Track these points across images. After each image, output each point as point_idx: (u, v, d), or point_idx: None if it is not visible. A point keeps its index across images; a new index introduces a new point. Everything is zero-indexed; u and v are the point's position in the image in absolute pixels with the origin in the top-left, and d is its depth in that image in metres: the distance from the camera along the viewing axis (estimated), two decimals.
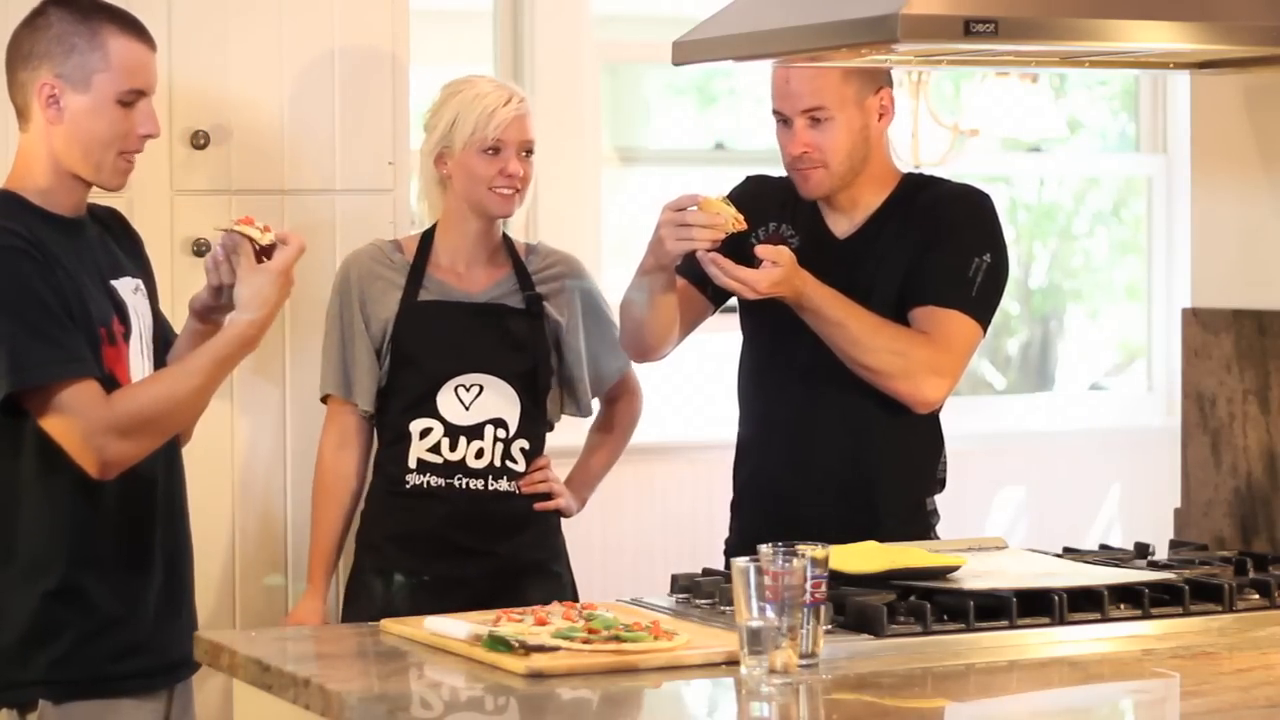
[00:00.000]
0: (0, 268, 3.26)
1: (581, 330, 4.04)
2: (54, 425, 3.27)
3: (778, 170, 3.81)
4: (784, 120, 3.69)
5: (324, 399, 4.03)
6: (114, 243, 3.49)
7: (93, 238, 3.44)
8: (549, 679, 2.82)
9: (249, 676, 3.05)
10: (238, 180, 4.07)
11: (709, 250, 3.53)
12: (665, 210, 3.56)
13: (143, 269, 3.54)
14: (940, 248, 3.66)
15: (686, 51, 3.52)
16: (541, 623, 3.07)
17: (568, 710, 2.76)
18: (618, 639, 2.93)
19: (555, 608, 3.18)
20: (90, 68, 3.32)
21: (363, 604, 3.90)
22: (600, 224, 6.35)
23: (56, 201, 3.37)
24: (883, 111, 3.71)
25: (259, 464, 4.15)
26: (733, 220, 3.53)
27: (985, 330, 3.69)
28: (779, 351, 3.75)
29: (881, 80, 3.70)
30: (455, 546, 3.87)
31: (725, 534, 3.89)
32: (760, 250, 3.56)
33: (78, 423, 3.26)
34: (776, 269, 3.55)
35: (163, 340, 3.54)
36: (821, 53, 3.35)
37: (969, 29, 3.01)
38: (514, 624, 3.06)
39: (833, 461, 3.71)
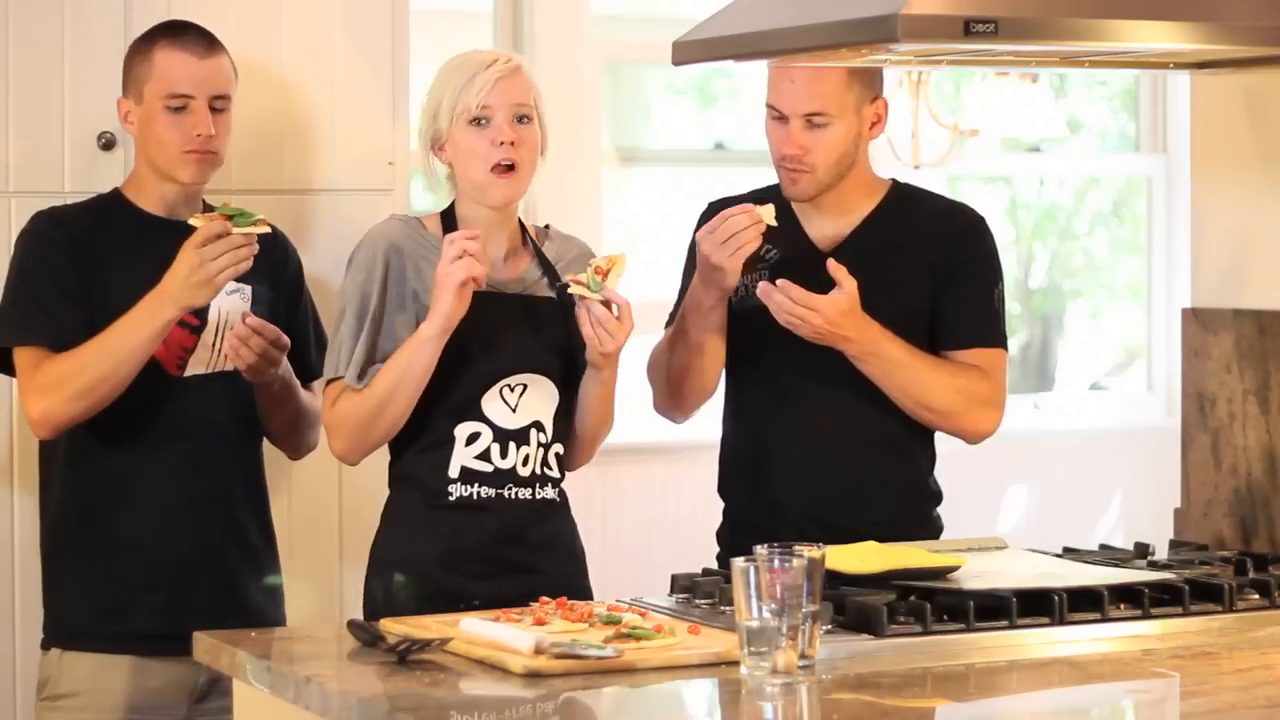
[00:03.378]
0: (18, 247, 3.66)
1: None
2: (18, 386, 3.62)
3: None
4: (779, 117, 3.66)
5: (329, 382, 3.52)
6: None
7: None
8: (548, 679, 2.82)
9: (249, 676, 3.05)
10: (238, 179, 4.06)
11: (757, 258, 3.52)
12: (702, 234, 3.53)
13: (255, 278, 3.67)
14: (969, 285, 3.67)
15: (686, 51, 3.52)
16: (540, 622, 3.07)
17: (568, 710, 2.76)
18: (631, 637, 2.94)
19: (552, 606, 3.18)
20: (141, 80, 3.65)
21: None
22: (600, 224, 6.35)
23: (152, 202, 3.71)
24: (876, 120, 3.67)
25: None
26: (765, 213, 3.49)
27: None
28: (777, 375, 3.68)
29: (878, 88, 3.67)
30: (506, 564, 3.45)
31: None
32: (832, 268, 3.51)
33: (21, 383, 3.60)
34: (845, 296, 3.49)
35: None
36: (821, 53, 3.35)
37: (969, 29, 3.01)
38: (513, 623, 3.07)
39: (841, 481, 3.65)
